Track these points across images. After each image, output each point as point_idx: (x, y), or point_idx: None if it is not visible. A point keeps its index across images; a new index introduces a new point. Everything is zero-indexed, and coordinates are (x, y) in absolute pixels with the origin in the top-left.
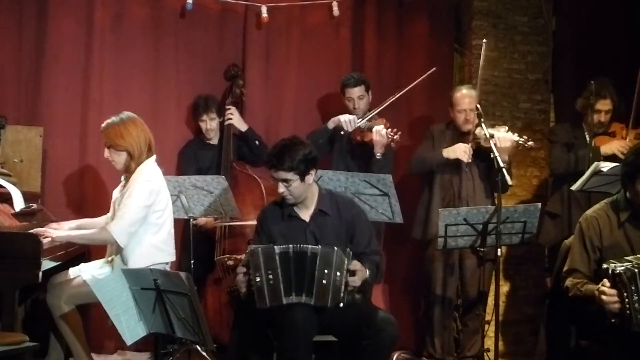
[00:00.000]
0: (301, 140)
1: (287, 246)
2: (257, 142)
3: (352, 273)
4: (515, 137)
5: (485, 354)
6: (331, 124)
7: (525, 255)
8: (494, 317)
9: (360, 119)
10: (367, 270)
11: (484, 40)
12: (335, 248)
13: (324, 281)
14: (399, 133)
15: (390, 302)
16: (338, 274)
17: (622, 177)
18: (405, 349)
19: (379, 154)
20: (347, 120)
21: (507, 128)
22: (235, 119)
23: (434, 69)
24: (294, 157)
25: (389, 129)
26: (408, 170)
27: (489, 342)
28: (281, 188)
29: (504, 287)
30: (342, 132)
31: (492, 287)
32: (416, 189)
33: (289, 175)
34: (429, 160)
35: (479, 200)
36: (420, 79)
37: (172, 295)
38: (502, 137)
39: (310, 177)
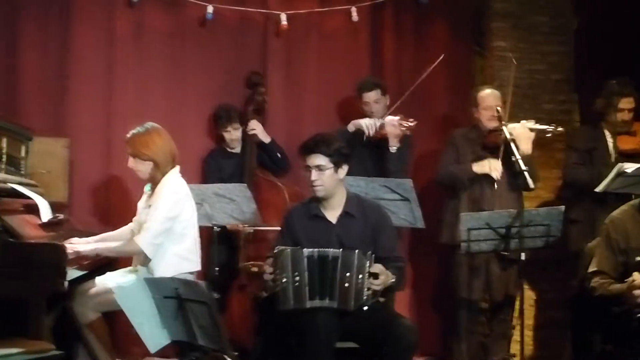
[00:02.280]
0: (335, 135)
1: (313, 250)
2: (279, 155)
3: (375, 276)
4: (531, 124)
5: (511, 359)
6: (351, 127)
7: (551, 258)
8: (521, 322)
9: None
10: (392, 275)
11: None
12: (356, 251)
13: (346, 284)
14: (415, 122)
15: (418, 308)
16: (360, 276)
17: None
18: (433, 354)
19: (393, 148)
20: (368, 125)
21: (533, 122)
22: (259, 132)
23: (442, 56)
24: (331, 145)
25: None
26: (437, 181)
27: (516, 347)
28: (314, 175)
29: (531, 291)
30: (364, 137)
31: (520, 290)
32: (442, 193)
33: (324, 161)
34: (459, 175)
35: (505, 205)
36: (430, 67)
37: (193, 303)
38: (517, 126)
39: (342, 172)
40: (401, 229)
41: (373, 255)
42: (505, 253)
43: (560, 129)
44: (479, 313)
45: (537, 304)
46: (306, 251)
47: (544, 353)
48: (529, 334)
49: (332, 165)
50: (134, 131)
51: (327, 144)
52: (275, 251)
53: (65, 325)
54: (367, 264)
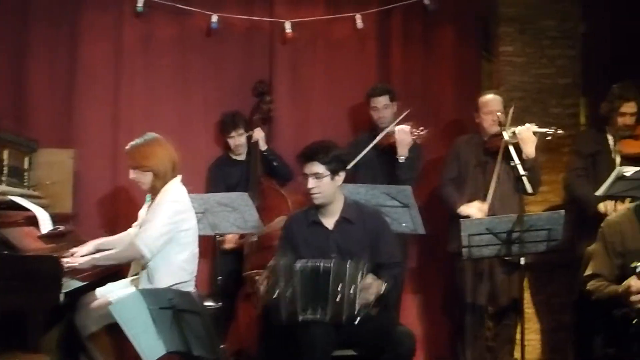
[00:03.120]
0: (334, 143)
1: (306, 262)
2: (274, 163)
3: (367, 288)
4: (535, 127)
5: None
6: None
7: (558, 262)
8: (527, 326)
9: (369, 147)
10: (384, 284)
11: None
12: (349, 262)
13: (338, 298)
14: (426, 130)
15: (426, 313)
16: (352, 287)
17: None
18: (440, 359)
19: (402, 158)
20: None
21: (536, 125)
22: (261, 137)
23: (410, 109)
24: (328, 153)
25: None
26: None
27: (523, 351)
28: (311, 183)
29: (538, 295)
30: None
31: (525, 294)
32: None
33: (321, 169)
34: (449, 206)
35: (509, 208)
36: (395, 122)
37: (187, 314)
38: (522, 129)
39: (340, 179)
40: (409, 236)
41: (367, 265)
42: (507, 258)
43: (560, 131)
44: (485, 318)
45: (545, 308)
46: (299, 264)
47: (552, 357)
48: (536, 337)
49: (329, 172)
50: (133, 143)
51: (325, 151)
52: (271, 262)
53: (72, 339)
54: (360, 276)
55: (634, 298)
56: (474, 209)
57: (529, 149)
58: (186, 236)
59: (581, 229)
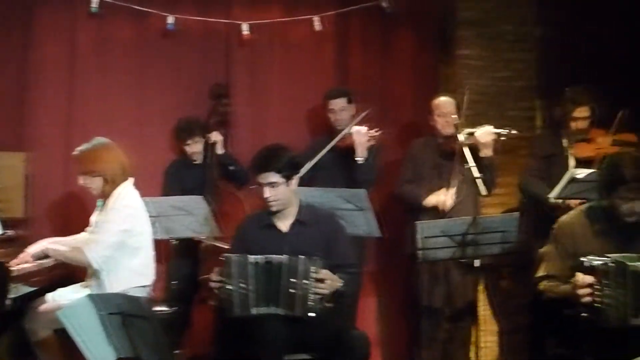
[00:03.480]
0: (285, 146)
1: (259, 256)
2: (231, 168)
3: (321, 281)
4: (494, 129)
5: None
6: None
7: (514, 264)
8: (484, 328)
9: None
10: (340, 281)
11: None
12: (301, 257)
13: (291, 290)
14: (380, 131)
15: (385, 317)
16: (305, 282)
17: (599, 188)
18: None
19: (360, 159)
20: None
21: (492, 127)
22: (219, 140)
23: (369, 110)
24: (280, 160)
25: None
26: (395, 197)
27: (480, 353)
28: (267, 192)
29: (495, 297)
30: None
31: (482, 296)
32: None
33: (276, 178)
34: (412, 200)
35: (467, 209)
36: (352, 124)
37: (136, 319)
38: (484, 132)
39: (294, 183)
40: (367, 239)
41: (321, 261)
42: (462, 260)
43: (514, 131)
44: (441, 320)
45: (501, 310)
46: (252, 258)
47: (508, 359)
48: (493, 339)
49: (284, 180)
50: (81, 148)
51: (277, 159)
52: (223, 258)
53: (22, 345)
54: (313, 269)
55: (580, 292)
56: (441, 197)
57: (488, 151)
58: (138, 241)
59: (537, 231)
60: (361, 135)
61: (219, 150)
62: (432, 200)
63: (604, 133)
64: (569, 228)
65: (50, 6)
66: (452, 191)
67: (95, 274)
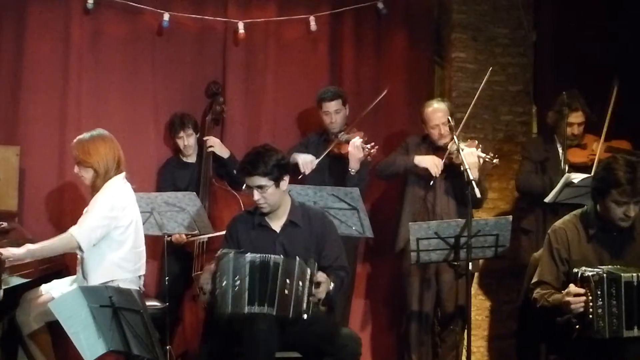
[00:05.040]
0: (273, 147)
1: (256, 255)
2: (235, 172)
3: (317, 285)
4: (480, 152)
5: None
6: (292, 159)
7: (508, 269)
8: (474, 332)
9: (321, 157)
10: (332, 283)
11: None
12: (298, 258)
13: (286, 291)
14: (376, 147)
15: (372, 317)
16: (300, 284)
17: (592, 192)
18: None
19: (353, 170)
20: (304, 163)
21: (477, 143)
22: (217, 147)
23: (385, 91)
24: (268, 163)
25: (366, 144)
26: (376, 175)
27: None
28: (256, 195)
29: (487, 302)
30: (299, 177)
31: (474, 301)
32: (395, 202)
33: (264, 181)
34: (398, 163)
35: (453, 215)
36: (376, 100)
37: (127, 312)
38: (468, 153)
39: (285, 184)
40: (356, 239)
41: (316, 264)
42: (455, 263)
43: (495, 160)
44: (431, 323)
45: (492, 315)
46: (248, 256)
47: None
48: (483, 344)
49: (272, 182)
50: (79, 137)
51: (265, 162)
52: (218, 254)
53: (13, 337)
54: (309, 272)
55: (572, 305)
56: (430, 160)
57: (474, 173)
58: (123, 233)
59: (526, 236)
60: (357, 149)
61: (224, 153)
62: (422, 161)
63: (598, 139)
64: (563, 233)
65: (45, 2)
66: (441, 162)
67: (81, 265)
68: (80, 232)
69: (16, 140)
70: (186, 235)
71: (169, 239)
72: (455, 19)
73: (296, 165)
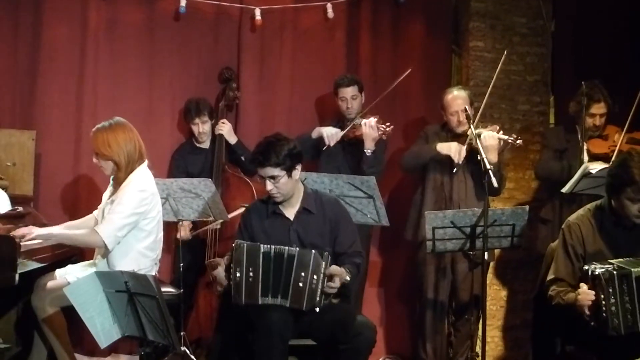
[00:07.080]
0: (285, 136)
1: (270, 246)
2: (243, 158)
3: (330, 278)
4: (501, 134)
5: (477, 358)
6: (315, 134)
7: (523, 259)
8: (490, 322)
9: (350, 122)
10: (348, 274)
11: None
12: (313, 251)
13: (300, 284)
14: (392, 127)
15: (386, 306)
16: (315, 277)
17: (606, 187)
18: (399, 353)
19: (368, 151)
20: (329, 135)
21: (498, 128)
22: (226, 131)
23: (409, 70)
24: (280, 153)
25: (379, 123)
26: (401, 167)
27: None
28: (269, 185)
29: (502, 292)
30: (324, 148)
31: (489, 291)
32: (411, 190)
33: (276, 171)
34: (423, 153)
35: (470, 203)
36: (398, 79)
37: (142, 297)
38: (487, 135)
39: (297, 173)
40: (371, 227)
41: (330, 257)
42: (471, 253)
43: (519, 141)
44: (446, 312)
45: (507, 305)
46: (263, 247)
47: (513, 354)
48: (498, 334)
49: (285, 172)
50: (98, 126)
51: (276, 153)
52: (234, 244)
53: (28, 321)
54: (323, 265)
55: (582, 300)
56: (452, 147)
57: (492, 156)
58: (150, 223)
59: (544, 225)
60: (371, 128)
61: (232, 139)
62: (444, 148)
63: (619, 130)
64: (577, 228)
65: None
66: (464, 148)
67: (104, 254)
68: (106, 232)
69: (32, 125)
70: (190, 231)
71: (183, 225)
72: (473, 8)
73: (321, 138)
